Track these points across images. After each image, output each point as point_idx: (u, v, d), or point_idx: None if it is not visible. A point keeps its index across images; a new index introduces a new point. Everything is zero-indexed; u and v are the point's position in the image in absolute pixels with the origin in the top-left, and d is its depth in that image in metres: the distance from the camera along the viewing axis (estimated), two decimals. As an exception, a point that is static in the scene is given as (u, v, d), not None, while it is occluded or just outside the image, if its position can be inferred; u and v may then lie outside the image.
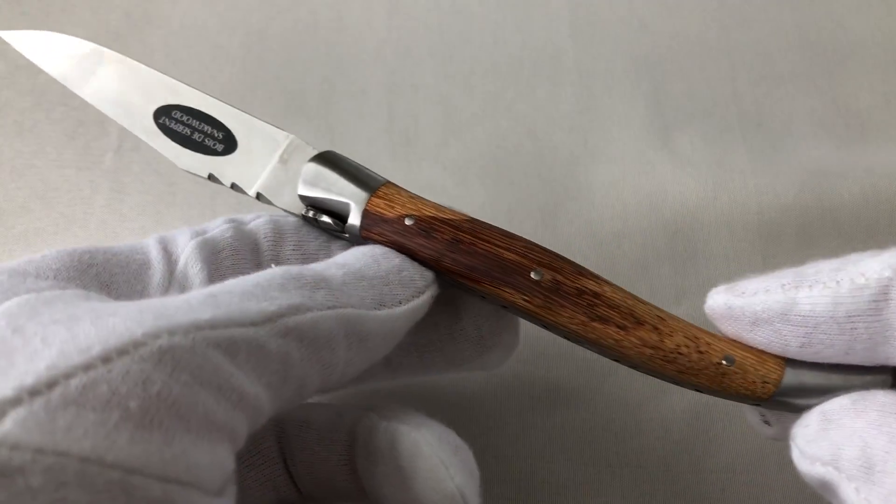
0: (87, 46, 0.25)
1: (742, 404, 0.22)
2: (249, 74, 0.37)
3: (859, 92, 0.37)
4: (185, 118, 0.24)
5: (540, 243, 0.23)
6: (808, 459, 0.19)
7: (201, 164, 0.24)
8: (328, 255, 0.23)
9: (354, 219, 0.22)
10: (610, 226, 0.34)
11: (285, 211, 0.24)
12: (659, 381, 0.23)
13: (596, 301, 0.21)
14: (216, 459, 0.15)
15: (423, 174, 0.35)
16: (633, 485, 0.30)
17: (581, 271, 0.22)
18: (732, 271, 0.33)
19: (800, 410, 0.20)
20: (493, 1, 0.39)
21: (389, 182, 0.23)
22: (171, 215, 0.34)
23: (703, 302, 0.32)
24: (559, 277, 0.21)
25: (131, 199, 0.35)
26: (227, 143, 0.24)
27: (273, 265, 0.23)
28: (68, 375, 0.13)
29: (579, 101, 0.37)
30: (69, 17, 0.38)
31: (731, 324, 0.21)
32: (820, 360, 0.20)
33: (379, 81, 0.37)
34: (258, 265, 0.23)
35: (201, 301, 0.16)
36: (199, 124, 0.24)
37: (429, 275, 0.22)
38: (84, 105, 0.32)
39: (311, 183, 0.23)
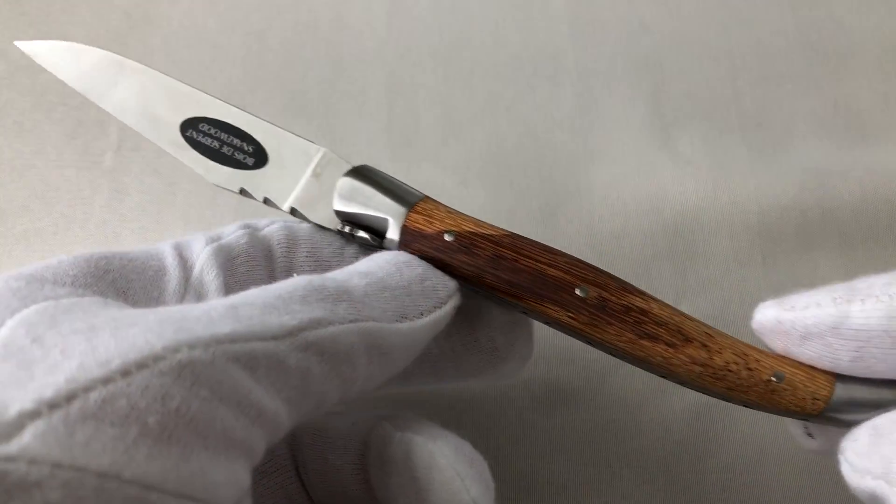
0: (109, 57, 0.24)
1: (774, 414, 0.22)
2: (249, 74, 0.37)
3: (859, 92, 0.37)
4: (213, 131, 0.24)
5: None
6: (858, 473, 0.19)
7: (232, 178, 0.24)
8: (341, 262, 0.23)
9: (393, 234, 0.22)
10: (610, 226, 0.34)
11: (319, 226, 0.23)
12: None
13: (643, 318, 0.21)
14: (233, 476, 0.15)
15: (423, 174, 0.35)
16: (633, 485, 0.30)
17: (626, 287, 0.21)
18: (732, 271, 0.33)
19: (849, 425, 0.20)
20: (493, 1, 0.39)
21: (427, 196, 0.23)
22: (171, 215, 0.34)
23: (704, 302, 0.32)
24: (605, 294, 0.21)
25: (131, 199, 0.35)
26: (257, 156, 0.24)
27: (294, 274, 0.22)
28: (88, 389, 0.13)
29: (579, 101, 0.37)
30: (69, 17, 0.38)
31: (780, 338, 0.21)
32: (871, 375, 0.20)
33: (379, 81, 0.37)
34: (272, 272, 0.22)
35: (222, 313, 0.16)
36: (228, 137, 0.24)
37: (452, 284, 0.21)
38: (84, 105, 0.32)
39: (347, 198, 0.23)
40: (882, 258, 0.33)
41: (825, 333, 0.19)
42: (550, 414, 0.31)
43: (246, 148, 0.24)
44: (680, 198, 0.34)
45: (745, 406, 0.21)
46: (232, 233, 0.22)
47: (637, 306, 0.21)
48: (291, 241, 0.23)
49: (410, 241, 0.22)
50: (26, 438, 0.12)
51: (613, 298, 0.21)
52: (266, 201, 0.24)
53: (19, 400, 0.12)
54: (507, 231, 0.22)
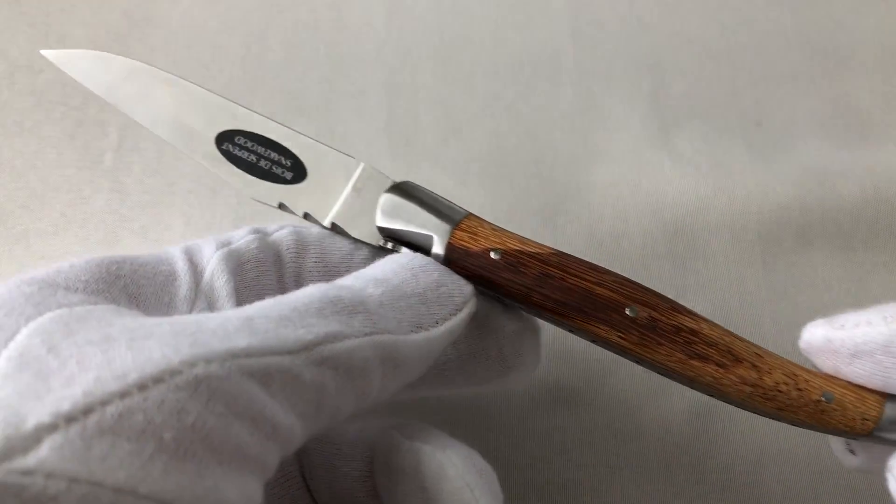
0: (140, 67, 0.24)
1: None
2: (249, 74, 0.37)
3: (859, 92, 0.37)
4: (249, 144, 0.23)
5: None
6: None
7: (271, 193, 0.23)
8: (350, 268, 0.23)
9: (437, 251, 0.22)
10: (610, 226, 0.34)
11: (360, 241, 0.23)
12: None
13: (694, 338, 0.21)
14: (246, 491, 0.15)
15: (423, 174, 0.35)
16: (633, 485, 0.30)
17: (676, 307, 0.21)
18: (732, 271, 0.33)
19: None
20: (493, 1, 0.39)
21: (471, 214, 0.23)
22: (171, 215, 0.34)
23: (704, 302, 0.32)
24: (655, 314, 0.21)
25: (131, 199, 0.35)
26: (295, 170, 0.23)
27: (308, 281, 0.22)
28: (105, 402, 0.13)
29: (579, 101, 0.37)
30: (69, 17, 0.38)
31: (829, 357, 0.21)
32: None
33: (379, 81, 0.37)
34: (281, 277, 0.22)
35: (237, 326, 0.15)
36: (266, 151, 0.23)
37: (468, 289, 0.21)
38: (84, 105, 0.32)
39: (390, 214, 0.22)
40: (882, 258, 0.33)
41: (876, 351, 0.20)
42: (550, 414, 0.31)
43: (284, 162, 0.23)
44: (680, 198, 0.34)
45: (792, 425, 0.21)
46: (242, 238, 0.22)
47: (687, 326, 0.21)
48: (300, 246, 0.23)
49: (456, 258, 0.22)
50: (43, 452, 0.12)
51: (664, 318, 0.21)
52: (306, 216, 0.23)
53: (36, 412, 0.12)
54: (554, 249, 0.22)
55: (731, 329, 0.22)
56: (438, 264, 0.21)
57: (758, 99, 0.37)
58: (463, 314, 0.21)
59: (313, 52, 0.38)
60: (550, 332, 0.24)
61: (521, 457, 0.30)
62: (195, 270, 0.21)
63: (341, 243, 0.23)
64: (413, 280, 0.20)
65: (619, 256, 0.33)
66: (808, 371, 0.21)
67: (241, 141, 0.23)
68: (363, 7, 0.39)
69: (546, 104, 0.37)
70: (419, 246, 0.22)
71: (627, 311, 0.21)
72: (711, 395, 0.21)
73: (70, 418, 0.12)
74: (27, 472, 0.12)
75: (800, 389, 0.20)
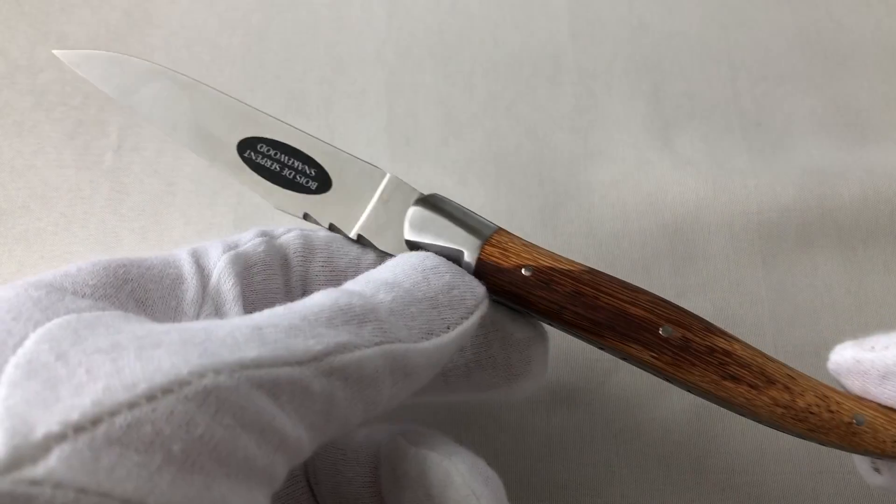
0: (157, 70, 0.23)
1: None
2: (249, 74, 0.37)
3: (859, 92, 0.37)
4: (272, 152, 0.23)
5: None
6: None
7: (295, 203, 0.23)
8: (357, 272, 0.22)
9: (467, 266, 0.22)
10: (610, 226, 0.33)
11: (386, 253, 0.23)
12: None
13: (727, 359, 0.21)
14: (253, 503, 0.14)
15: (423, 174, 0.35)
16: (633, 485, 0.30)
17: (709, 328, 0.21)
18: (732, 271, 0.33)
19: None
20: (493, 1, 0.39)
21: (501, 229, 0.23)
22: (171, 215, 0.34)
23: (704, 302, 0.32)
24: (688, 335, 0.21)
25: (131, 199, 0.35)
26: (320, 180, 0.23)
27: (317, 286, 0.22)
28: (113, 413, 0.13)
29: (579, 101, 0.37)
30: (69, 17, 0.38)
31: (859, 378, 0.21)
32: None
33: (379, 81, 0.37)
34: (288, 281, 0.22)
35: (247, 336, 0.15)
36: (289, 160, 0.23)
37: (480, 291, 0.21)
38: (84, 105, 0.32)
39: (419, 228, 0.22)
40: (882, 258, 0.33)
41: None
42: (550, 414, 0.31)
43: (308, 171, 0.23)
44: (680, 198, 0.34)
45: (822, 445, 0.21)
46: (249, 240, 0.22)
47: (721, 347, 0.21)
48: (308, 249, 0.22)
49: (486, 273, 0.22)
50: (52, 462, 0.12)
51: (697, 339, 0.21)
52: (331, 227, 0.23)
53: (45, 422, 0.12)
54: (586, 266, 0.22)
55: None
56: (450, 264, 0.21)
57: (758, 99, 0.37)
58: (474, 318, 0.20)
59: (313, 52, 0.38)
60: (550, 332, 0.24)
61: (521, 457, 0.30)
62: (202, 274, 0.21)
63: (349, 248, 0.23)
64: (424, 283, 0.20)
65: (619, 256, 0.33)
66: (840, 393, 0.21)
67: (264, 149, 0.23)
68: (363, 7, 0.39)
69: (546, 104, 0.37)
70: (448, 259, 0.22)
71: (661, 331, 0.21)
72: (742, 415, 0.21)
73: (79, 428, 0.12)
74: (35, 483, 0.11)
75: (831, 412, 0.20)
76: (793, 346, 0.32)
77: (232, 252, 0.21)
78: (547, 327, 0.24)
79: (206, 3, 0.39)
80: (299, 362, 0.15)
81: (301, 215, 0.23)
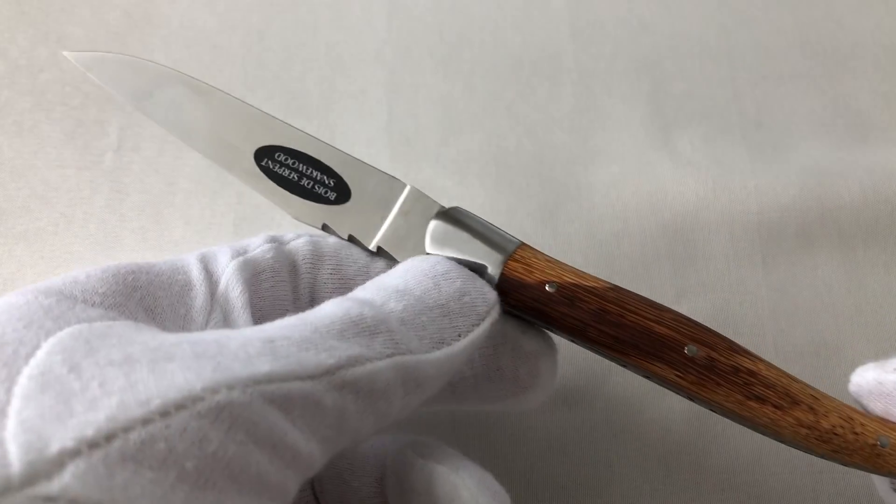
0: (172, 75, 0.23)
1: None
2: (249, 74, 0.37)
3: (859, 92, 0.37)
4: (290, 161, 0.23)
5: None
6: None
7: (314, 213, 0.23)
8: (366, 279, 0.22)
9: (490, 280, 0.22)
10: (610, 226, 0.33)
11: (346, 242, 0.23)
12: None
13: (752, 380, 0.21)
14: None
15: (423, 174, 0.35)
16: (633, 485, 0.30)
17: (734, 347, 0.21)
18: (732, 271, 0.33)
19: None
20: (493, 1, 0.39)
21: (524, 244, 0.22)
22: (171, 215, 0.34)
23: (704, 302, 0.32)
24: (714, 354, 0.21)
25: (131, 199, 0.35)
26: (339, 191, 0.23)
27: (329, 295, 0.21)
28: (127, 429, 0.13)
29: (579, 101, 0.37)
30: (69, 17, 0.38)
31: (881, 400, 0.21)
32: None
33: (379, 81, 0.37)
34: (296, 287, 0.22)
35: (259, 349, 0.15)
36: (307, 169, 0.23)
37: (491, 296, 0.21)
38: (84, 105, 0.32)
39: (441, 242, 0.22)
40: (882, 258, 0.33)
41: None
42: (550, 414, 0.31)
43: (326, 181, 0.23)
44: (680, 198, 0.34)
45: (845, 466, 0.21)
46: (258, 246, 0.22)
47: (745, 367, 0.21)
48: (317, 256, 0.22)
49: (510, 290, 0.21)
50: (67, 478, 0.12)
51: (722, 359, 0.21)
52: (351, 239, 0.23)
53: (60, 437, 0.12)
54: (610, 283, 0.22)
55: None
56: (461, 268, 0.21)
57: (758, 99, 0.37)
58: (486, 324, 0.20)
59: (313, 52, 0.38)
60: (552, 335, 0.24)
61: (521, 456, 0.30)
62: (210, 279, 0.21)
63: (357, 255, 0.23)
64: (435, 290, 0.20)
65: (619, 256, 0.33)
66: (862, 415, 0.21)
67: (282, 157, 0.23)
68: (363, 7, 0.39)
69: (546, 104, 0.37)
70: None
71: (686, 350, 0.21)
72: (765, 434, 0.21)
73: (93, 444, 0.12)
74: (50, 499, 0.11)
75: (856, 433, 0.20)
76: (793, 346, 0.32)
77: (240, 258, 0.21)
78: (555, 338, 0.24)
79: (206, 3, 0.39)
80: (311, 376, 0.15)
81: (320, 226, 0.23)
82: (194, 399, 0.13)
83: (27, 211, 0.34)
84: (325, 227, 0.23)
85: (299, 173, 0.23)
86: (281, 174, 0.23)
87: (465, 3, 0.39)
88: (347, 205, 0.23)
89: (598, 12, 0.39)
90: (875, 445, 0.20)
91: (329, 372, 0.16)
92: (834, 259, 0.33)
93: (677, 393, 0.22)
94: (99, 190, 0.35)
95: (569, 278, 0.21)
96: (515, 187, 0.35)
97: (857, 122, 0.37)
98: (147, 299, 0.19)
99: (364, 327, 0.17)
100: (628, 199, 0.34)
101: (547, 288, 0.21)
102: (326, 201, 0.23)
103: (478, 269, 0.22)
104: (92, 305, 0.17)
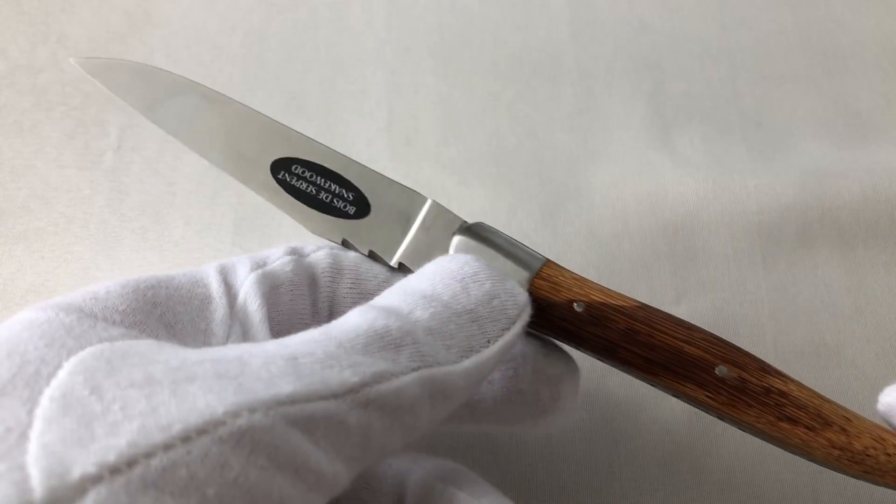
0: (184, 83, 0.22)
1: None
2: (249, 74, 0.37)
3: (859, 92, 0.37)
4: (307, 174, 0.22)
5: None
6: None
7: (334, 228, 0.22)
8: None
9: None
10: (610, 226, 0.33)
11: (366, 256, 0.22)
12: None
13: (783, 400, 0.20)
14: None
15: (423, 174, 0.35)
16: (633, 485, 0.30)
17: (765, 367, 0.21)
18: (732, 271, 0.33)
19: None
20: (493, 1, 0.39)
21: (549, 261, 0.22)
22: (171, 215, 0.34)
23: (704, 302, 0.32)
24: (745, 375, 0.20)
25: (131, 199, 0.35)
26: (358, 205, 0.22)
27: (350, 308, 0.21)
28: (149, 455, 0.13)
29: (579, 101, 0.37)
30: (69, 17, 0.38)
31: None
32: None
33: (379, 81, 0.37)
34: (315, 301, 0.22)
35: (282, 368, 0.15)
36: (325, 182, 0.22)
37: (522, 298, 0.20)
38: (84, 105, 0.32)
39: None
40: (882, 258, 0.33)
41: None
42: (550, 414, 0.31)
43: (346, 195, 0.22)
44: (680, 198, 0.34)
45: (877, 485, 0.21)
46: (278, 258, 0.21)
47: (777, 388, 0.20)
48: (336, 270, 0.22)
49: (536, 309, 0.21)
50: None
51: (753, 379, 0.20)
52: (371, 254, 0.22)
53: (81, 462, 0.12)
54: (639, 302, 0.21)
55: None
56: (490, 269, 0.20)
57: (758, 99, 0.37)
58: (516, 328, 0.19)
59: (313, 52, 0.38)
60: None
61: (521, 457, 0.30)
62: (229, 292, 0.20)
63: (377, 270, 0.22)
64: (464, 294, 0.19)
65: (619, 256, 0.33)
66: (894, 435, 0.21)
67: (299, 170, 0.22)
68: (363, 7, 0.39)
69: (546, 104, 0.37)
70: None
71: (717, 371, 0.20)
72: (795, 454, 0.21)
73: (115, 470, 0.12)
74: None
75: (888, 454, 0.20)
76: (793, 346, 0.32)
77: (259, 271, 0.21)
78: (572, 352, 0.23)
79: (206, 3, 0.39)
80: (335, 395, 0.15)
81: (339, 241, 0.22)
82: (216, 423, 0.13)
83: (27, 211, 0.34)
84: (344, 243, 0.22)
85: (317, 186, 0.22)
86: (298, 187, 0.22)
87: (465, 3, 0.39)
88: (367, 219, 0.22)
89: (598, 12, 0.39)
90: None
91: (353, 390, 0.15)
92: (834, 259, 0.33)
93: (707, 413, 0.21)
94: (99, 190, 0.35)
95: (596, 297, 0.21)
96: (515, 187, 0.35)
97: (857, 122, 0.37)
98: (167, 315, 0.19)
99: (389, 340, 0.17)
100: (628, 199, 0.34)
101: (575, 307, 0.21)
102: (346, 215, 0.22)
103: None
104: (112, 324, 0.17)
